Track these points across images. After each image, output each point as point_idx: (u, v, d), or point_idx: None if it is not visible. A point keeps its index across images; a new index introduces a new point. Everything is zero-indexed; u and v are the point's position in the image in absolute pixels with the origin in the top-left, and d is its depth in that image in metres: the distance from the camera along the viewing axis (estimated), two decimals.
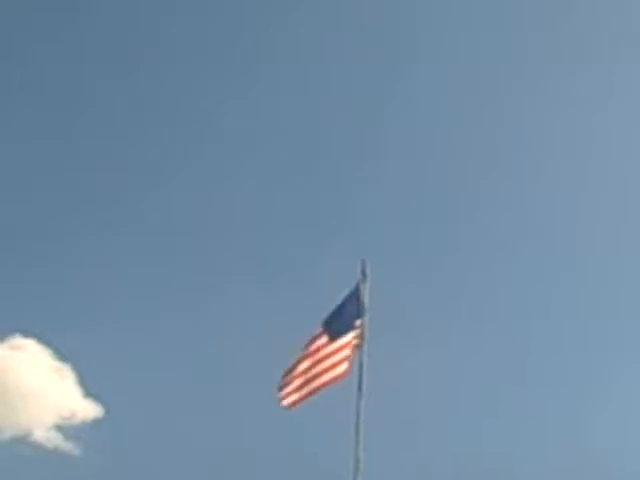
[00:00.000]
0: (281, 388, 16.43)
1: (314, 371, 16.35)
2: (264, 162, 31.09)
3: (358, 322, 16.61)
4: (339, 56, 31.62)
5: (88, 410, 26.85)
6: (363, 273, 16.92)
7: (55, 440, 26.69)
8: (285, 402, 16.37)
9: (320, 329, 16.66)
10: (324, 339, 16.52)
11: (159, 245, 30.14)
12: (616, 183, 30.96)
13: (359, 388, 16.17)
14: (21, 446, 26.18)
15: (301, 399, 16.35)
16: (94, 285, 28.80)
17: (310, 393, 16.37)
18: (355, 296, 16.78)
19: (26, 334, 26.79)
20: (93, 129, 31.78)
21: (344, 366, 16.30)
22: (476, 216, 30.73)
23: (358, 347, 16.52)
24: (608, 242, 29.59)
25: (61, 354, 27.02)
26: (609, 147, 31.08)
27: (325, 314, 16.83)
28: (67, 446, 26.65)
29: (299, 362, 16.48)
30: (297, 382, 16.38)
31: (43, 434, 26.67)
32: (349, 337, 16.46)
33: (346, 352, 16.32)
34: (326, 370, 16.35)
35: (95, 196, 31.03)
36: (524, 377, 27.39)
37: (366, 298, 16.79)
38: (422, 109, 31.48)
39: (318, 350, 16.46)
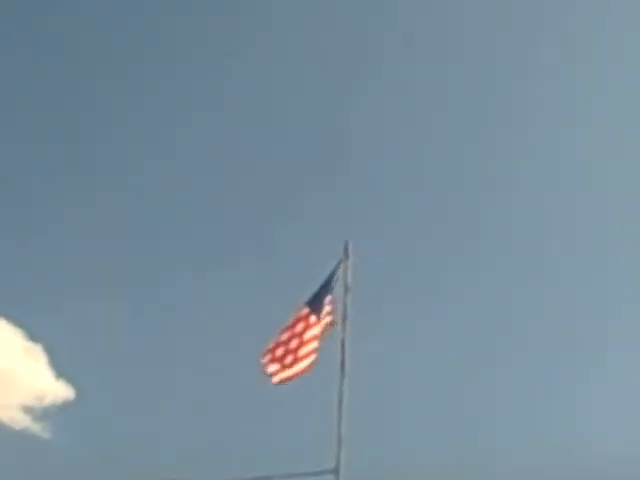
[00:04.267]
0: (265, 364, 16.36)
1: (300, 353, 16.30)
2: (247, 143, 30.87)
3: (329, 298, 16.61)
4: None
5: (59, 392, 26.76)
6: (346, 253, 16.97)
7: (24, 422, 26.60)
8: (274, 379, 16.32)
9: (307, 310, 16.61)
10: (313, 318, 16.45)
11: (134, 224, 29.97)
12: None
13: (342, 367, 16.16)
14: None
15: (288, 378, 16.29)
16: (67, 265, 28.64)
17: (291, 376, 16.32)
18: (332, 274, 16.81)
19: None
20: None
21: (312, 358, 16.29)
22: (459, 199, 30.84)
23: (333, 324, 16.53)
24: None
25: (32, 335, 26.88)
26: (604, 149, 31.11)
27: (308, 294, 16.82)
28: (36, 428, 26.58)
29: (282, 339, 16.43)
30: (283, 356, 16.33)
31: (12, 415, 26.55)
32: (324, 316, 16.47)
33: (315, 344, 16.28)
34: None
35: (65, 172, 30.81)
36: (506, 355, 27.53)
37: (349, 278, 16.82)
38: (411, 99, 31.43)
39: (306, 330, 16.39)
